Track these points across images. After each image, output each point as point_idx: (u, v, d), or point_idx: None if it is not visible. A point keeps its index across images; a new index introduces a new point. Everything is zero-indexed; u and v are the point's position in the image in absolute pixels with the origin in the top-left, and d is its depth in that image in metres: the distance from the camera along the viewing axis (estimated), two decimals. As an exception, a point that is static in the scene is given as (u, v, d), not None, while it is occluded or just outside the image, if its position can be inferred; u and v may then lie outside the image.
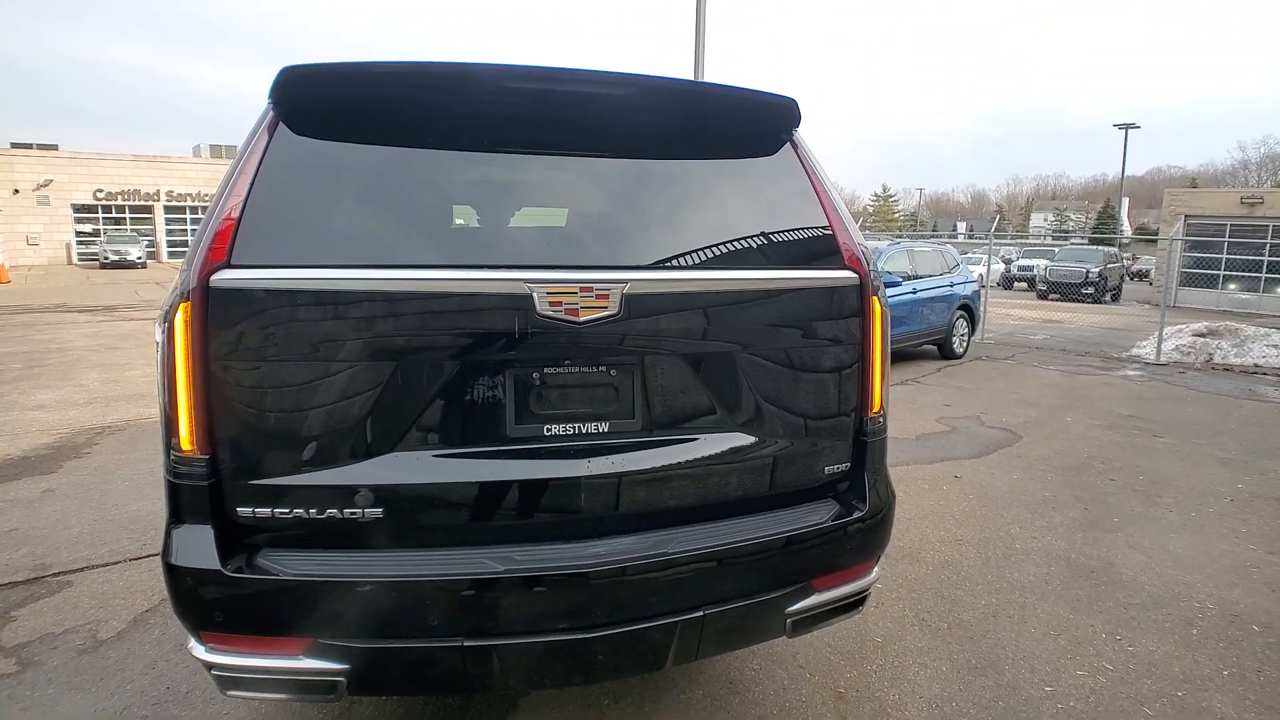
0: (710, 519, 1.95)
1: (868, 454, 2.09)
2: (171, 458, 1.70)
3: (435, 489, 1.77)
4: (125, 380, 8.07)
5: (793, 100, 2.13)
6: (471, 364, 1.78)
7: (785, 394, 2.03)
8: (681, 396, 1.94)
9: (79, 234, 34.66)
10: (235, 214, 1.70)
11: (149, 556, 3.64)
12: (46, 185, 33.08)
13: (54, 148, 36.36)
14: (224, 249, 1.68)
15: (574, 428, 1.85)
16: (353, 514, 1.72)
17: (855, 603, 2.10)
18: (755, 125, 2.17)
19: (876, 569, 2.15)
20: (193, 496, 1.69)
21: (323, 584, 1.63)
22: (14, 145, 34.25)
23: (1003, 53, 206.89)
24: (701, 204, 2.06)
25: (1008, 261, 30.13)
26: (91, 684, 2.61)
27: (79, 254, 34.04)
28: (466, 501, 1.79)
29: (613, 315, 1.80)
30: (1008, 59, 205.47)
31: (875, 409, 2.10)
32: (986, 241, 19.19)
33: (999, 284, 27.86)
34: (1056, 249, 30.36)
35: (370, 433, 1.75)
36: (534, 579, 1.69)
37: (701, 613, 1.80)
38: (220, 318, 1.66)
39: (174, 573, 1.67)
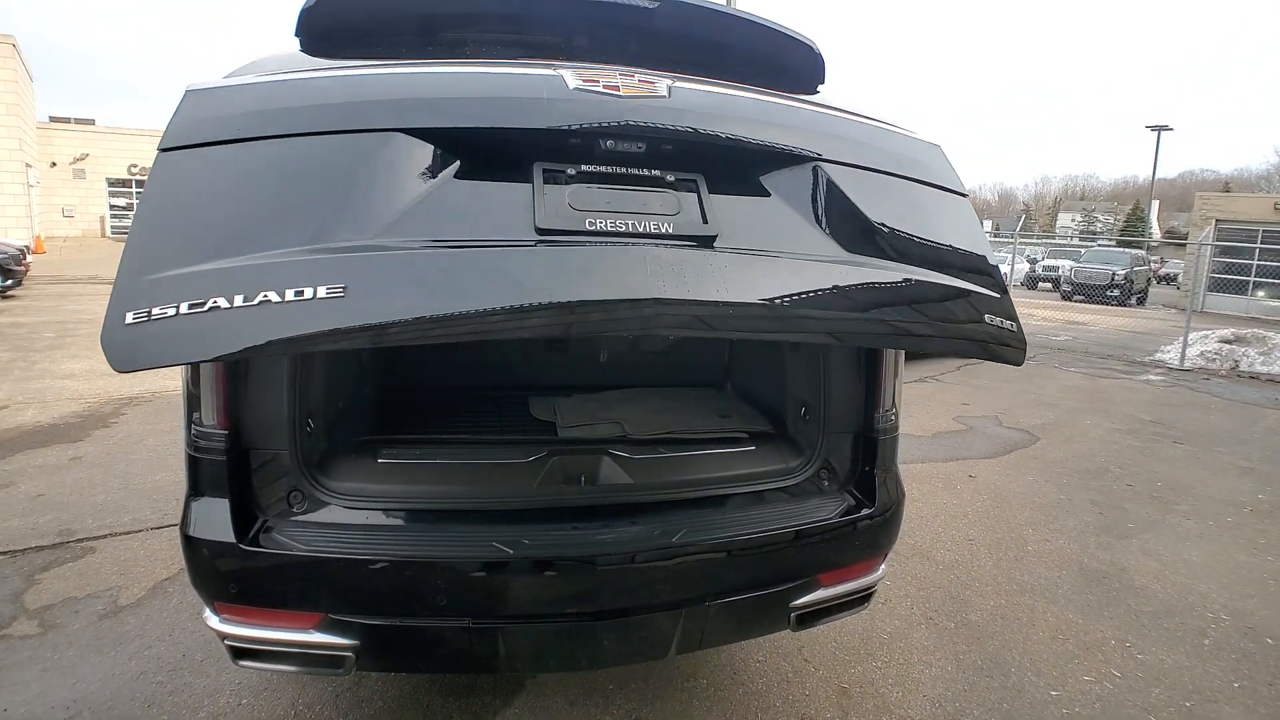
0: (716, 497, 1.97)
1: (878, 450, 2.09)
2: (192, 431, 1.74)
3: None
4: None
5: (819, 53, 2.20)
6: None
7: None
8: None
9: (113, 207, 35.22)
10: None
11: (169, 526, 3.73)
12: (83, 159, 33.62)
13: (91, 122, 36.89)
14: None
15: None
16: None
17: (861, 599, 2.11)
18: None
19: (884, 566, 2.15)
20: (211, 470, 1.73)
21: (336, 560, 1.67)
22: (52, 119, 34.80)
23: (1037, 51, 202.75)
24: None
25: (1033, 261, 29.66)
26: (110, 648, 2.69)
27: (112, 227, 34.61)
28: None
29: (660, 95, 1.59)
30: (1043, 57, 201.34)
31: (886, 404, 2.09)
32: (1011, 240, 18.90)
33: (1023, 283, 27.46)
34: (1083, 250, 29.85)
35: None
36: (542, 562, 1.71)
37: (707, 603, 1.82)
38: None
39: (191, 544, 1.71)
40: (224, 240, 1.28)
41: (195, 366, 1.72)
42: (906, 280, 1.55)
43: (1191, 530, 4.29)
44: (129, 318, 1.16)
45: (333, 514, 1.80)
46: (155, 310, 1.16)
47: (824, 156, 1.66)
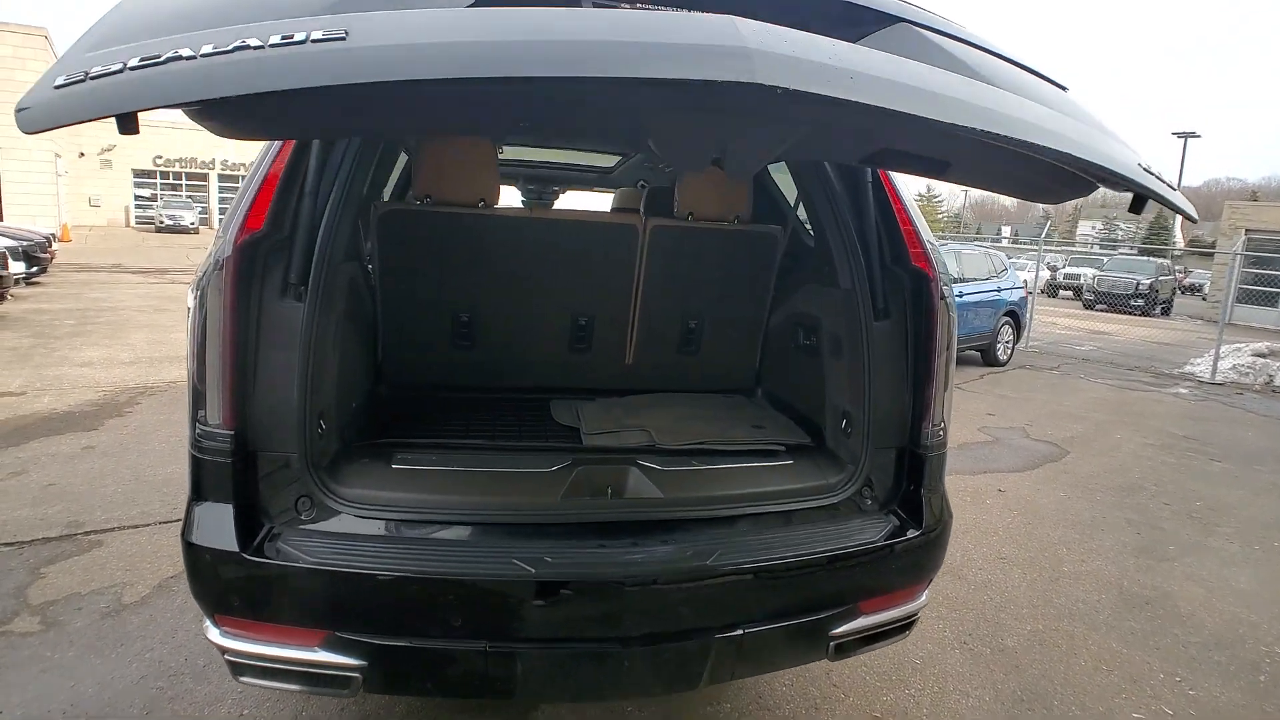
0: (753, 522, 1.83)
1: (925, 468, 1.95)
2: (197, 430, 1.64)
3: None
4: (171, 341, 8.21)
5: None
6: None
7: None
8: None
9: (138, 198, 35.68)
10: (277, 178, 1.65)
11: (177, 520, 3.63)
12: (110, 150, 34.05)
13: (116, 113, 37.38)
14: (260, 216, 1.63)
15: None
16: None
17: (903, 627, 1.97)
18: None
19: (926, 593, 2.01)
20: (216, 473, 1.63)
21: (344, 574, 1.56)
22: (79, 109, 35.24)
23: (1057, 55, 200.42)
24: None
25: (1053, 269, 29.19)
26: (111, 649, 2.60)
27: (137, 217, 35.04)
28: None
29: None
30: (1062, 62, 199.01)
31: (936, 418, 1.95)
32: (1035, 247, 18.54)
33: (1043, 291, 27.01)
34: (1105, 258, 29.32)
35: None
36: (566, 583, 1.59)
37: (741, 631, 1.69)
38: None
39: (191, 551, 1.61)
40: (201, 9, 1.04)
41: (200, 357, 1.61)
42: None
43: (1236, 554, 4.09)
44: (59, 80, 0.92)
45: (343, 523, 1.69)
46: (96, 69, 0.92)
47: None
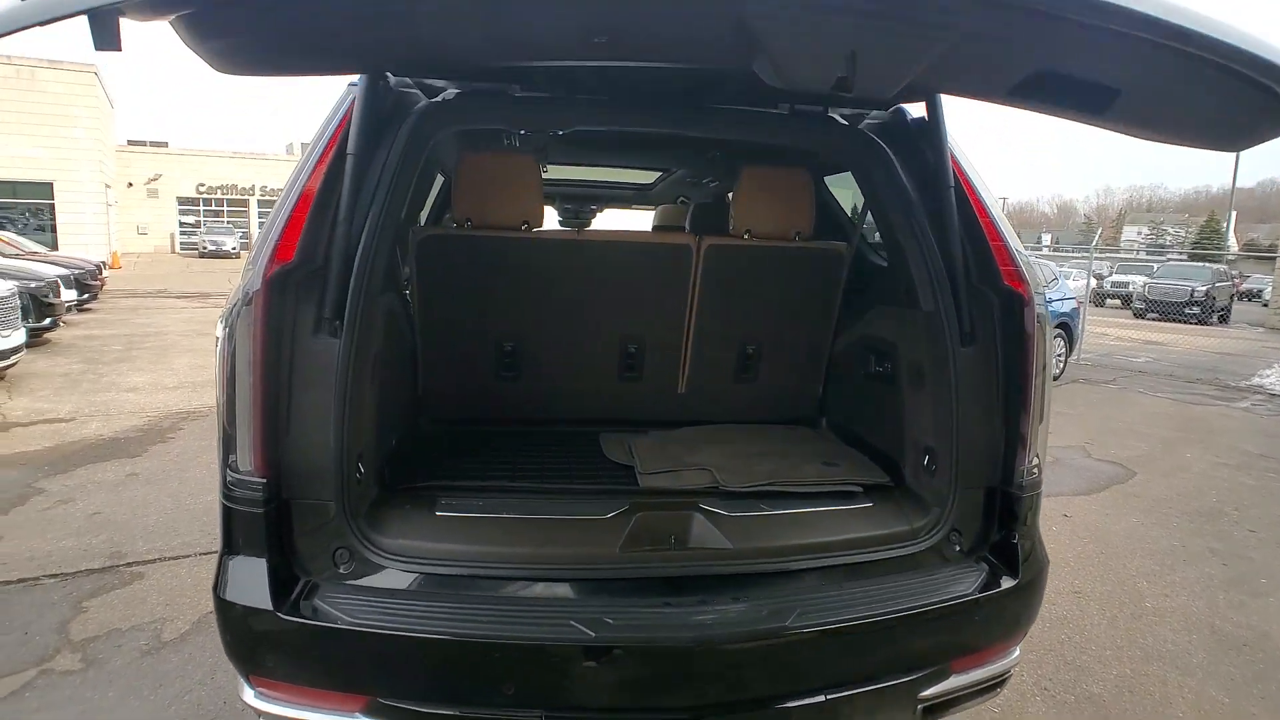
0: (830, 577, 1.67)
1: (1019, 509, 1.76)
2: (228, 478, 1.54)
3: None
4: (212, 366, 8.31)
5: None
6: None
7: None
8: None
9: (182, 224, 36.95)
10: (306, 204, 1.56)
11: (215, 553, 3.60)
12: (156, 179, 35.34)
13: (164, 145, 38.84)
14: (291, 247, 1.53)
15: None
16: None
17: (995, 685, 1.78)
18: None
19: (1019, 648, 1.82)
20: (248, 524, 1.53)
21: (386, 637, 1.43)
22: (130, 142, 36.72)
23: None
24: None
25: (1100, 277, 28.27)
26: (150, 690, 2.53)
27: (181, 243, 36.25)
28: None
29: None
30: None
31: (1031, 454, 1.77)
32: (1080, 254, 17.92)
33: (1090, 301, 26.15)
34: (1154, 264, 28.31)
35: None
36: (630, 648, 1.44)
37: (823, 697, 1.52)
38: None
39: (223, 608, 1.51)
40: None
41: (229, 398, 1.52)
42: None
43: (1336, 587, 3.76)
44: None
45: (384, 578, 1.57)
46: None
47: None
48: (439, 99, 1.89)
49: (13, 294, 7.19)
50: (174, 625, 2.94)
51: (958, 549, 1.79)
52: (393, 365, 2.13)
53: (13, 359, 7.08)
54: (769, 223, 2.36)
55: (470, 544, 1.67)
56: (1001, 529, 1.79)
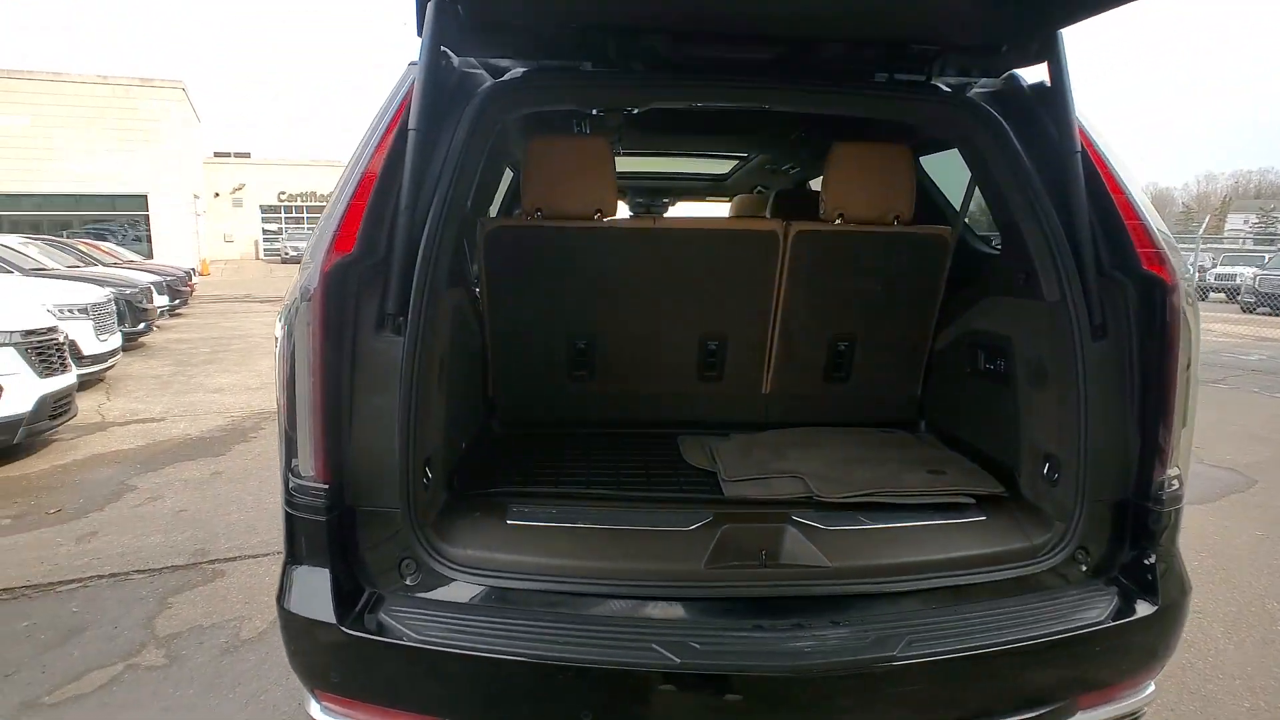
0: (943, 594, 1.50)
1: (1158, 526, 1.55)
2: (290, 485, 1.49)
3: None
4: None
5: None
6: None
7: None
8: None
9: (265, 232, 38.82)
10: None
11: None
12: (240, 189, 37.25)
13: (247, 155, 40.93)
14: (351, 238, 1.46)
15: None
16: None
17: None
18: None
19: (1154, 683, 1.60)
20: (311, 532, 1.47)
21: (454, 655, 1.34)
22: (216, 154, 38.85)
23: (1183, 40, 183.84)
24: None
25: (1202, 269, 26.35)
26: (228, 689, 2.55)
27: (264, 250, 38.10)
28: None
29: None
30: (1188, 47, 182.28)
31: (1171, 462, 1.55)
32: (1190, 247, 16.63)
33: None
34: (1266, 254, 26.16)
35: None
36: (718, 677, 1.31)
37: None
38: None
39: (287, 620, 1.46)
40: None
41: (290, 400, 1.47)
42: None
43: None
44: None
45: (451, 591, 1.49)
46: None
47: None
48: (506, 78, 1.79)
49: (110, 301, 7.61)
50: (252, 624, 2.98)
51: (1084, 569, 1.58)
52: (461, 365, 2.06)
53: (110, 361, 7.49)
54: (864, 205, 2.17)
55: (543, 556, 1.57)
56: (1135, 548, 1.57)
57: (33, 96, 23.56)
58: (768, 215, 2.75)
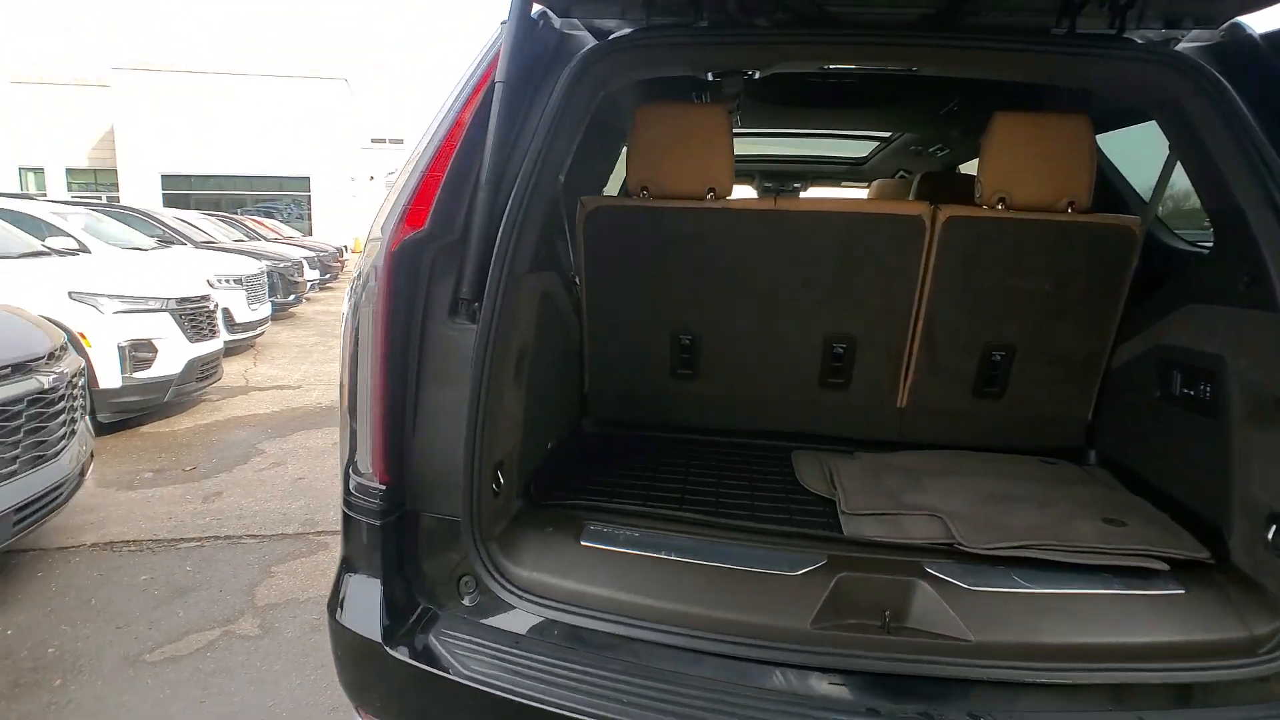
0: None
1: None
2: (350, 483, 1.34)
3: None
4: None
5: None
6: None
7: None
8: None
9: (410, 214, 41.60)
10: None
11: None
12: (392, 174, 40.01)
13: (400, 141, 43.87)
14: (423, 212, 1.28)
15: None
16: None
17: None
18: None
19: None
20: (366, 538, 1.32)
21: (497, 699, 1.14)
22: (373, 140, 41.90)
23: None
24: None
25: None
26: (313, 669, 2.51)
27: (409, 231, 40.84)
28: None
29: None
30: None
31: None
32: None
33: None
34: None
35: None
36: None
37: None
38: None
39: (335, 631, 1.33)
40: None
41: (352, 389, 1.32)
42: None
43: None
44: None
45: (510, 619, 1.29)
46: None
47: None
48: (610, 37, 1.56)
49: (263, 273, 8.20)
50: (343, 602, 2.97)
51: None
52: (551, 358, 1.86)
53: (260, 329, 8.07)
54: (1032, 188, 1.78)
55: (615, 589, 1.33)
56: None
57: (218, 91, 26.31)
58: (911, 198, 2.36)
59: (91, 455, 3.37)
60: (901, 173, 3.63)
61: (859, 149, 3.56)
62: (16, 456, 2.68)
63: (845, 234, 1.99)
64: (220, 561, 3.28)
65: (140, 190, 24.22)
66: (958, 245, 1.89)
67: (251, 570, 3.20)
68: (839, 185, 4.35)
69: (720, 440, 2.20)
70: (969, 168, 3.26)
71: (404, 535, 1.35)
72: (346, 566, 1.38)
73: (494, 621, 1.30)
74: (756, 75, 1.86)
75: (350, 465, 1.36)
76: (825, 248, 2.00)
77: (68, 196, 19.86)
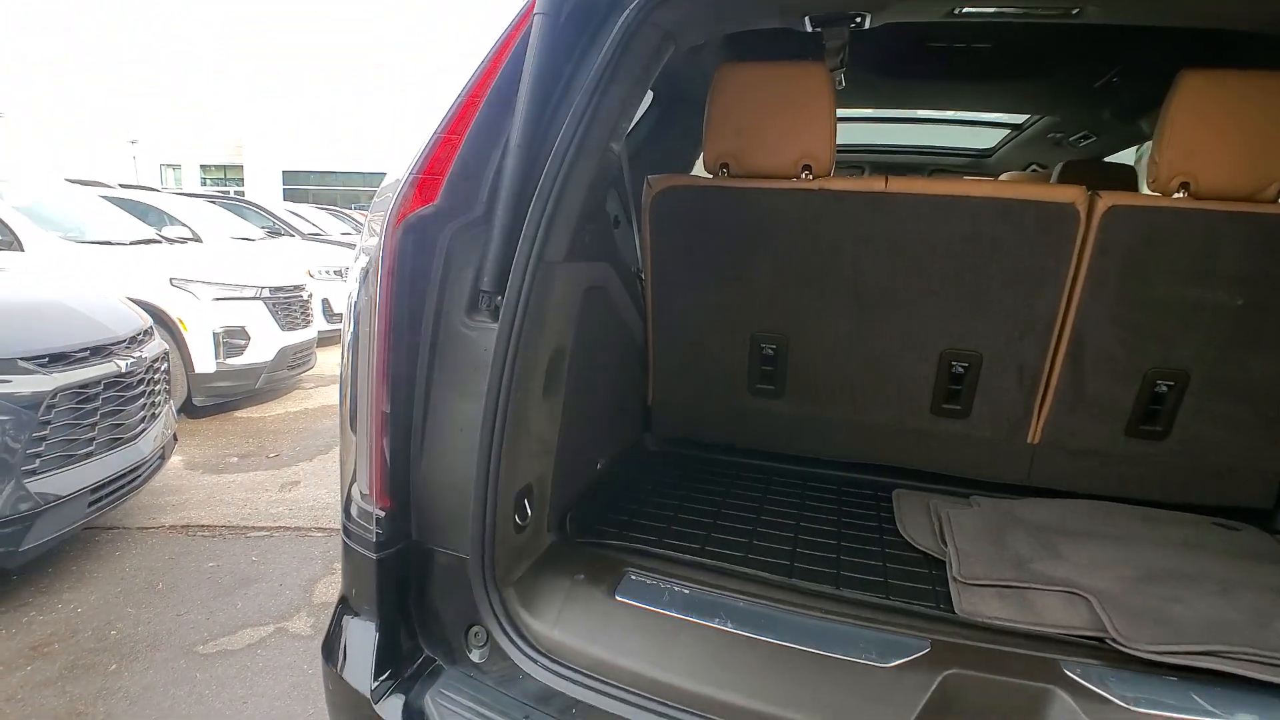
0: None
1: None
2: (352, 510, 1.16)
3: None
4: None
5: None
6: None
7: None
8: None
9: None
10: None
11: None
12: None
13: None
14: (437, 182, 1.07)
15: None
16: None
17: None
18: None
19: None
20: (362, 572, 1.13)
21: None
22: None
23: None
24: None
25: None
26: (354, 680, 2.40)
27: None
28: None
29: None
30: None
31: None
32: None
33: None
34: None
35: None
36: None
37: None
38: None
39: (325, 675, 1.14)
40: None
41: (352, 395, 1.13)
42: None
43: None
44: None
45: (520, 687, 1.06)
46: None
47: None
48: None
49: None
50: (396, 607, 2.86)
51: None
52: (600, 363, 1.61)
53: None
54: (1227, 170, 1.37)
55: (650, 662, 1.07)
56: None
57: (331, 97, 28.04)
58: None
59: (174, 439, 3.43)
60: (1033, 166, 3.14)
61: (983, 138, 3.09)
62: (93, 439, 2.71)
63: (973, 225, 1.60)
64: (285, 554, 3.25)
65: (263, 185, 26.17)
66: (1121, 243, 1.49)
67: (314, 565, 3.15)
68: (960, 177, 3.89)
69: (805, 470, 1.88)
70: (1119, 158, 2.79)
71: (409, 571, 1.15)
72: (343, 605, 1.20)
73: (502, 686, 1.08)
74: (866, 23, 1.51)
75: (351, 486, 1.17)
76: (947, 242, 1.62)
77: (201, 190, 21.64)
